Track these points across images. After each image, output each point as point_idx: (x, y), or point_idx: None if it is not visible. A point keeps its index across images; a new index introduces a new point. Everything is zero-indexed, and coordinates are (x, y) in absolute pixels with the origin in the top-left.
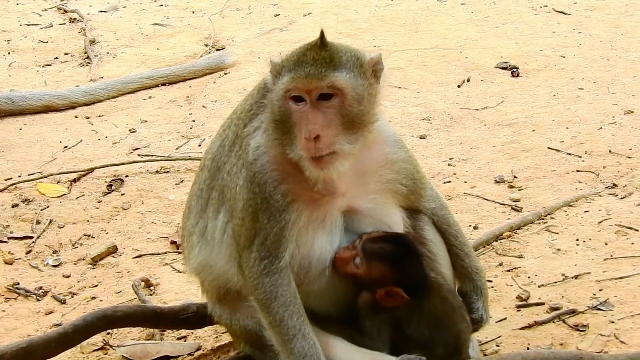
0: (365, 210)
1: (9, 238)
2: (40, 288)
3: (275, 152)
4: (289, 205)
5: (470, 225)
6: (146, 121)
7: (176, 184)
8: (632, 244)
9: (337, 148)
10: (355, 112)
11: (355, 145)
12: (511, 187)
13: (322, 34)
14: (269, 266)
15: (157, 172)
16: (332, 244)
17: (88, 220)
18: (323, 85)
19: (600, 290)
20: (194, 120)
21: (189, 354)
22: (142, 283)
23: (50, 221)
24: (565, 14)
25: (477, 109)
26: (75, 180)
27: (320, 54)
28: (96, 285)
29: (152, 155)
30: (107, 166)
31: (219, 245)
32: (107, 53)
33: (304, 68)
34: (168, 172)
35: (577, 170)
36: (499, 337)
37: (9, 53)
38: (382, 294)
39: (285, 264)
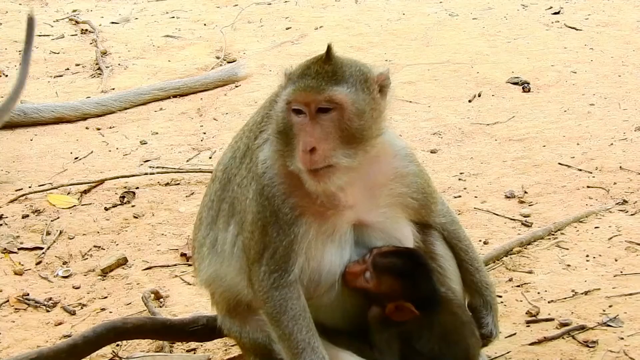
0: (376, 223)
1: (19, 249)
2: (50, 299)
3: (280, 164)
4: (297, 219)
5: (480, 240)
6: (157, 133)
7: (186, 197)
8: None
9: (334, 162)
10: (355, 126)
11: (354, 160)
12: (521, 202)
13: (329, 47)
14: (279, 280)
15: (167, 184)
16: (342, 258)
17: (98, 232)
18: (321, 99)
19: (610, 306)
20: (204, 133)
21: None
22: (152, 295)
23: (61, 232)
24: (577, 29)
25: (488, 124)
26: (85, 192)
27: (324, 68)
28: (106, 297)
29: (163, 167)
30: (117, 178)
31: (229, 257)
32: (119, 64)
33: (305, 81)
34: (179, 184)
35: (588, 186)
36: (508, 352)
37: (20, 64)
38: (391, 308)
39: (295, 277)
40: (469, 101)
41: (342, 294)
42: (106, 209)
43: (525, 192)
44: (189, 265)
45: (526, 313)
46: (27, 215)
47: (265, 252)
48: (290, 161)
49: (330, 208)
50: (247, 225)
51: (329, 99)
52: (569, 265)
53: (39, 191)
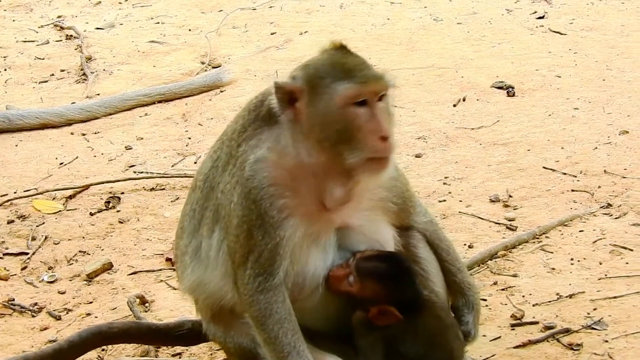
0: (357, 227)
1: (4, 254)
2: (36, 304)
3: (273, 167)
4: (284, 221)
5: (465, 244)
6: (142, 138)
7: (172, 201)
8: (627, 263)
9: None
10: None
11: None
12: (506, 206)
13: (340, 42)
14: (264, 283)
15: (152, 189)
16: (325, 261)
17: (83, 237)
18: (384, 87)
19: (594, 309)
20: (189, 138)
21: None
22: (137, 300)
23: (46, 237)
24: (561, 34)
25: (472, 128)
26: (70, 197)
27: (359, 59)
28: (91, 302)
29: (148, 173)
30: (102, 183)
31: (214, 262)
32: (104, 70)
33: (365, 72)
34: (164, 189)
35: (572, 190)
36: (493, 355)
37: (5, 69)
38: (375, 312)
39: (280, 280)
40: (454, 105)
41: (326, 297)
42: (91, 214)
43: (510, 196)
44: (174, 270)
45: (511, 316)
46: (13, 221)
47: (251, 256)
48: (347, 156)
49: (323, 210)
50: (232, 229)
51: (388, 86)
52: (553, 269)
53: (24, 196)
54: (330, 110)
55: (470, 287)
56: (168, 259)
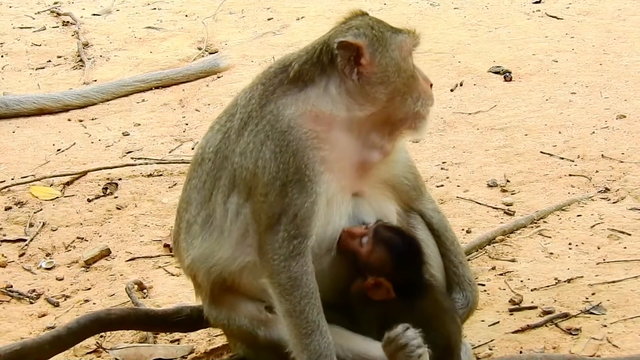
0: (369, 197)
1: (2, 241)
2: (34, 291)
3: (313, 118)
4: (321, 175)
5: (463, 229)
6: (139, 124)
7: (169, 187)
8: (625, 248)
9: None
10: None
11: None
12: (504, 191)
13: (361, 9)
14: (298, 247)
15: (150, 175)
16: (341, 224)
17: (81, 224)
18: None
19: (592, 294)
20: (187, 124)
21: (182, 357)
22: (135, 286)
23: (44, 224)
24: (558, 18)
25: (470, 113)
26: (68, 183)
27: None
28: (89, 288)
29: (145, 159)
30: (100, 169)
31: (229, 228)
32: (101, 56)
33: (405, 28)
34: (161, 175)
35: (570, 175)
36: (491, 340)
37: (2, 56)
38: (371, 282)
39: (312, 243)
40: (451, 90)
41: (335, 261)
42: (89, 200)
43: (508, 181)
44: (172, 256)
45: (509, 301)
46: (10, 207)
47: (283, 216)
48: (413, 104)
49: (356, 167)
50: (259, 188)
51: None
52: (551, 254)
53: (22, 183)
54: (401, 59)
55: (470, 283)
56: (166, 245)
